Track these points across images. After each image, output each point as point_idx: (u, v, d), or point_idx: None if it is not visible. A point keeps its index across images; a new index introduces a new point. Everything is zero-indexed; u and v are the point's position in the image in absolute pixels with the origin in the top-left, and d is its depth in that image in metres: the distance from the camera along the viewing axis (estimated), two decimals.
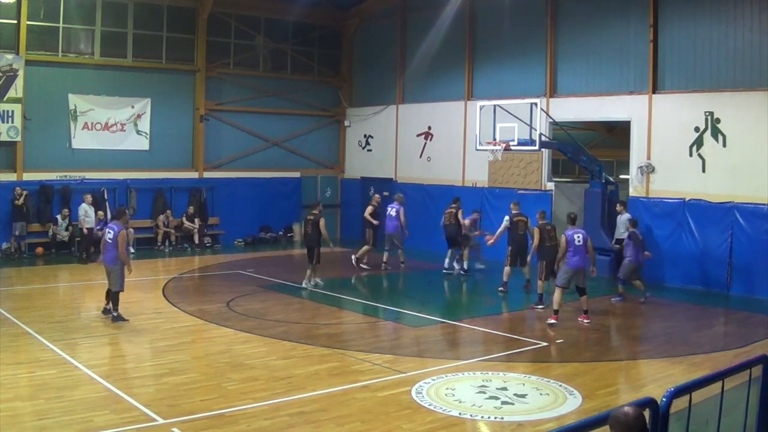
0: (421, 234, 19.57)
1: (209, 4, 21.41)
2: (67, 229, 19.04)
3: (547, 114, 17.83)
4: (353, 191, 24.50)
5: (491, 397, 8.31)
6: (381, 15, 23.94)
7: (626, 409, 3.60)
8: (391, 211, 17.86)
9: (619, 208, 16.20)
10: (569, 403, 8.21)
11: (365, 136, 24.41)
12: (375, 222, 18.20)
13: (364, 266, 17.82)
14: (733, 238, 15.34)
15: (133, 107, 20.90)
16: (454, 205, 17.00)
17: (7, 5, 18.72)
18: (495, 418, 7.70)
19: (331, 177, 25.07)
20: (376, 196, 19.66)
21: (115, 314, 11.70)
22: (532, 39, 19.47)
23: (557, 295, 12.24)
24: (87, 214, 18.38)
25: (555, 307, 12.23)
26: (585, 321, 12.30)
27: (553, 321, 12.11)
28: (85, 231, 18.36)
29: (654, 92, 16.87)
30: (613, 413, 3.61)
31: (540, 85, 19.12)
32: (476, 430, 7.56)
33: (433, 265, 16.71)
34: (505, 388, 8.65)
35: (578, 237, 12.31)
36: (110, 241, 11.78)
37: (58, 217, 19.02)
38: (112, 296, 11.79)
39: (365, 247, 18.16)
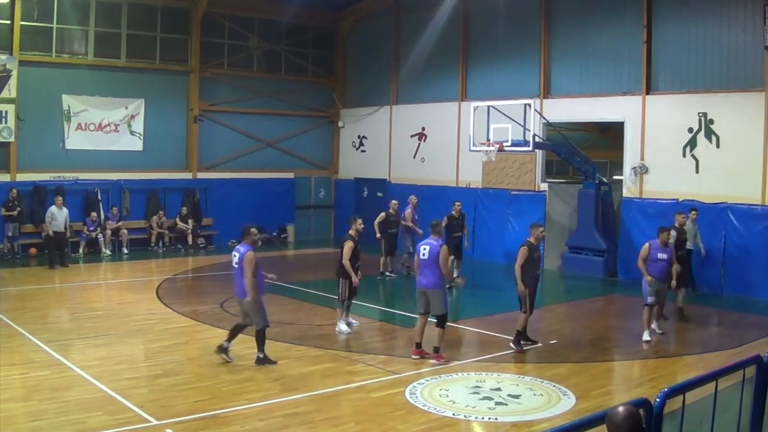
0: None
1: (203, 4, 21.39)
2: None
3: (541, 115, 17.85)
4: (347, 192, 24.51)
5: (485, 398, 8.33)
6: (375, 16, 23.95)
7: (618, 408, 3.60)
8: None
9: (693, 214, 14.44)
10: (563, 403, 8.22)
11: (359, 136, 24.41)
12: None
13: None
14: (727, 239, 15.39)
15: (126, 108, 20.86)
16: None
17: (0, 5, 18.65)
18: (489, 418, 7.71)
19: (324, 178, 25.08)
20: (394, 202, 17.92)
21: (261, 355, 9.50)
22: (526, 40, 19.50)
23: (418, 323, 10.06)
24: (54, 217, 17.26)
25: (417, 339, 9.99)
26: (437, 361, 9.68)
27: (414, 356, 9.92)
28: (51, 234, 17.27)
29: (647, 93, 16.91)
30: (609, 412, 3.61)
31: (534, 86, 19.14)
32: (470, 431, 7.57)
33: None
34: (498, 389, 8.67)
35: (424, 249, 9.86)
36: (236, 266, 9.47)
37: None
38: (256, 335, 9.54)
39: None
